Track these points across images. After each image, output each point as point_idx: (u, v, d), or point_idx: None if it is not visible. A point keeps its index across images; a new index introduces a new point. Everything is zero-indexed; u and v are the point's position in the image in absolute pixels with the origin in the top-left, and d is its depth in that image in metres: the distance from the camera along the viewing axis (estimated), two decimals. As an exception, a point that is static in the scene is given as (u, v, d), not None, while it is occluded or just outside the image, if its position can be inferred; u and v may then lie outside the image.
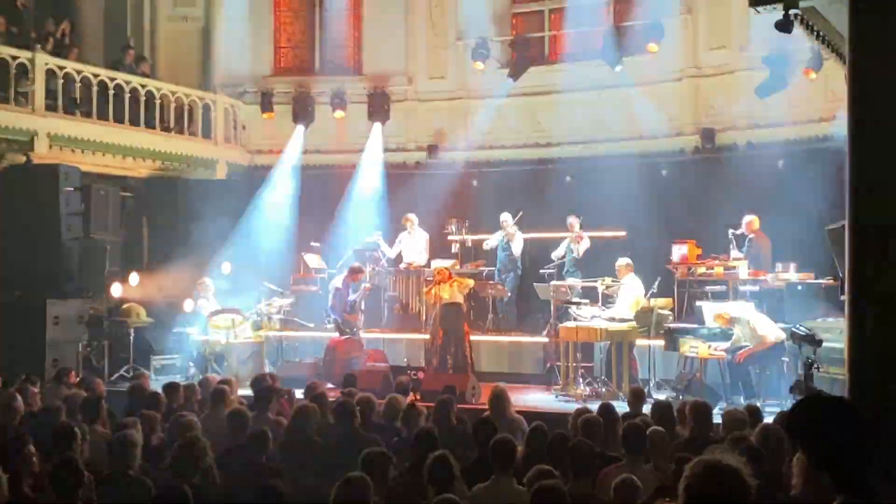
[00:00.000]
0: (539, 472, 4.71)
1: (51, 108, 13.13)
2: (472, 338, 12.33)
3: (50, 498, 4.76)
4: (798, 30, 6.87)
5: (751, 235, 11.60)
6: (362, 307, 13.03)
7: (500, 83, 15.06)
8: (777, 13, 6.56)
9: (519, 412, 7.79)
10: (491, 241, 13.41)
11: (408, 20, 15.83)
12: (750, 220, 11.59)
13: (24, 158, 12.73)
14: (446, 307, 11.52)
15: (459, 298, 11.60)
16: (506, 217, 13.15)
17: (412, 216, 13.56)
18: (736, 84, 13.72)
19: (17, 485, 4.68)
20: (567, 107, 14.82)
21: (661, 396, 9.67)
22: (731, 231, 11.45)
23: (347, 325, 12.43)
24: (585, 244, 12.62)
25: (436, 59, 15.76)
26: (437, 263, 12.65)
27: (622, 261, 11.23)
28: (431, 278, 12.40)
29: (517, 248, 13.15)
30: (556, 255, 12.80)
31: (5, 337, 11.80)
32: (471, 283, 11.95)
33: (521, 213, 13.09)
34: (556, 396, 10.83)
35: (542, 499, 4.34)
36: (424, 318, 12.83)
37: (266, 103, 15.70)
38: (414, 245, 13.52)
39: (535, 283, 12.36)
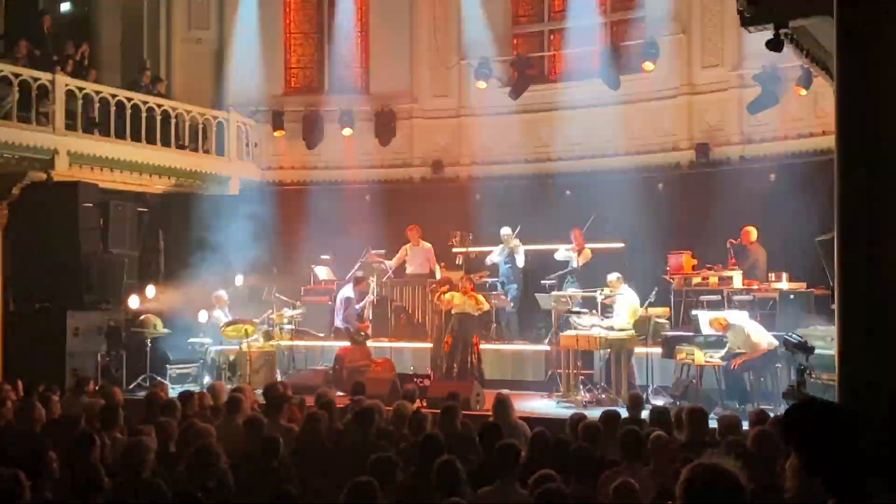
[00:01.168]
0: (541, 477, 4.75)
1: (70, 127, 13.26)
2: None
3: (70, 503, 4.80)
4: (788, 48, 7.09)
5: (748, 246, 11.85)
6: (369, 317, 13.34)
7: (502, 101, 15.28)
8: (768, 33, 6.80)
9: (522, 418, 7.84)
10: (493, 255, 13.47)
11: (413, 42, 16.02)
12: (748, 231, 11.80)
13: (44, 176, 12.85)
14: (458, 316, 11.70)
15: (473, 311, 11.77)
16: (506, 231, 13.26)
17: (416, 228, 13.66)
18: (729, 101, 13.95)
19: (39, 490, 4.67)
20: (566, 123, 14.99)
21: (659, 402, 9.82)
22: (729, 241, 11.67)
23: (358, 333, 12.68)
24: (587, 256, 12.72)
25: (440, 78, 15.95)
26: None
27: (613, 276, 11.33)
28: (436, 285, 12.54)
29: (521, 261, 13.24)
30: (558, 256, 12.87)
31: (27, 347, 11.99)
32: (487, 306, 12.05)
33: (518, 227, 13.17)
34: (558, 403, 10.90)
35: (547, 502, 4.38)
36: (430, 327, 12.98)
37: (277, 121, 15.91)
38: (418, 257, 13.63)
39: (536, 294, 12.45)
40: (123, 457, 5.45)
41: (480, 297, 11.95)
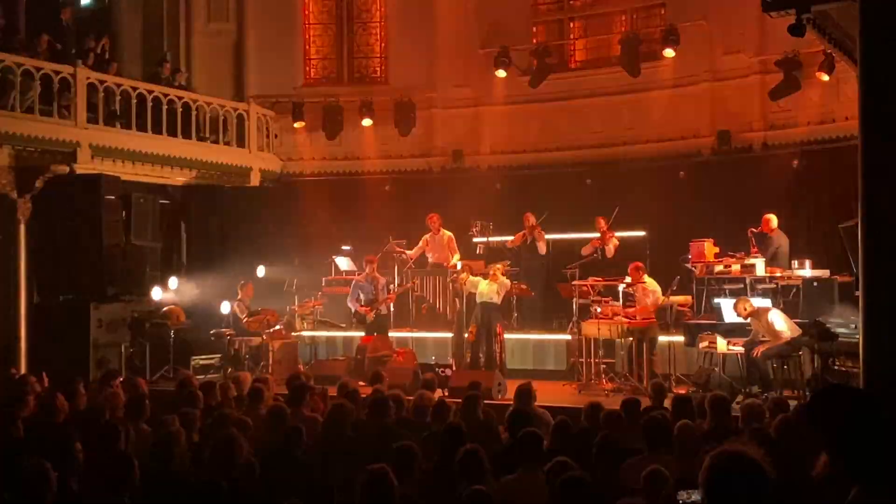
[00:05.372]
0: (558, 464, 4.75)
1: (92, 120, 13.34)
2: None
3: (95, 494, 4.81)
4: (811, 34, 7.02)
5: (769, 234, 11.74)
6: (390, 307, 13.35)
7: (522, 90, 15.24)
8: (790, 18, 6.72)
9: (543, 407, 7.83)
10: (515, 238, 13.43)
11: (432, 31, 15.98)
12: (768, 219, 11.68)
13: (67, 169, 12.95)
14: (483, 306, 11.66)
15: (496, 299, 11.71)
16: (530, 216, 13.21)
17: (436, 216, 13.64)
18: (751, 87, 13.84)
19: (64, 481, 4.70)
20: (586, 112, 14.97)
21: (682, 391, 9.78)
22: (750, 230, 11.62)
23: (357, 315, 12.84)
24: (614, 242, 12.62)
25: (459, 67, 15.91)
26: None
27: (633, 265, 11.29)
28: (456, 274, 12.48)
29: (542, 248, 13.17)
30: (585, 251, 12.76)
31: (51, 339, 12.14)
32: (508, 283, 11.98)
33: (546, 213, 13.08)
34: (580, 392, 10.83)
35: (567, 490, 4.36)
36: (452, 316, 12.90)
37: (297, 113, 15.92)
38: (438, 245, 13.58)
39: (558, 283, 12.42)
40: (153, 449, 5.51)
41: (504, 280, 11.88)
